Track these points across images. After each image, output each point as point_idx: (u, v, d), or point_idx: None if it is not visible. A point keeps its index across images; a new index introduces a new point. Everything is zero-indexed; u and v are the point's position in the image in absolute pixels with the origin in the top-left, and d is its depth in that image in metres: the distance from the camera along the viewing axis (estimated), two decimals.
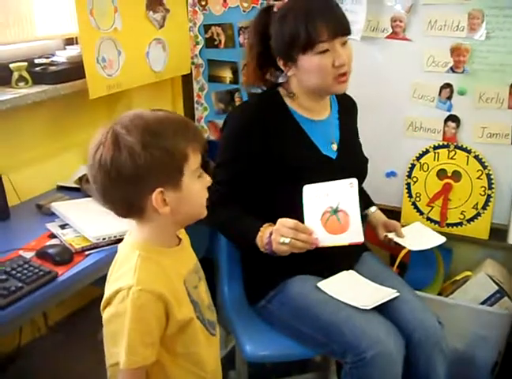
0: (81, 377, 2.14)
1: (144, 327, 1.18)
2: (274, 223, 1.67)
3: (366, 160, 1.99)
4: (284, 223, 1.63)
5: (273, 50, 1.78)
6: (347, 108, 1.98)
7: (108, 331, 1.23)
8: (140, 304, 1.17)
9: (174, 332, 1.25)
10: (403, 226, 1.95)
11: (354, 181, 1.62)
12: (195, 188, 1.24)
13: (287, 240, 1.61)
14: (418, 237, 1.92)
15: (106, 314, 1.22)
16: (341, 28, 1.72)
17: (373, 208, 2.03)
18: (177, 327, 1.24)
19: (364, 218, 1.95)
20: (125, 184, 1.17)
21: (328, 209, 1.63)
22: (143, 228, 1.26)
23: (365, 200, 2.02)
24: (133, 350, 1.17)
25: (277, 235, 1.63)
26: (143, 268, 1.21)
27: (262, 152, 1.77)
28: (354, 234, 1.61)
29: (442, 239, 1.92)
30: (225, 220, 1.81)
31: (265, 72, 1.89)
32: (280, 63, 1.79)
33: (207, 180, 1.29)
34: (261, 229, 1.70)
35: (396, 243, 1.88)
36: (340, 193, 1.63)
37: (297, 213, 1.64)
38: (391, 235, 1.90)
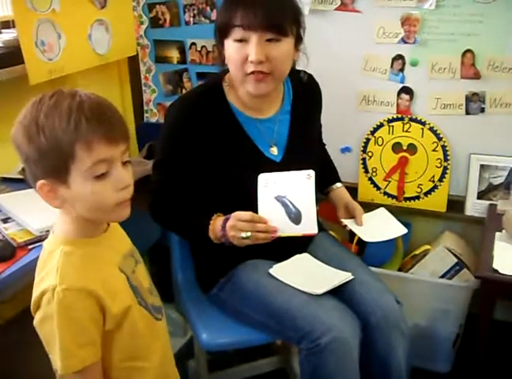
0: (35, 377, 2.07)
1: (75, 327, 1.11)
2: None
3: (317, 153, 1.91)
4: (239, 216, 1.58)
5: None
6: (306, 98, 1.84)
7: (42, 336, 1.16)
8: (67, 304, 1.09)
9: (112, 328, 1.17)
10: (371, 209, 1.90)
11: (311, 172, 1.60)
12: (89, 189, 1.11)
13: (248, 234, 1.56)
14: (377, 226, 1.84)
15: (36, 319, 1.14)
16: (263, 21, 1.53)
17: (338, 184, 1.95)
18: (114, 321, 1.17)
19: (326, 194, 1.94)
20: (24, 163, 1.14)
21: (282, 198, 1.59)
22: (62, 219, 1.18)
23: (331, 175, 1.99)
24: (67, 354, 1.10)
25: (236, 231, 1.58)
26: (66, 265, 1.13)
27: (199, 154, 1.69)
28: (308, 226, 1.59)
29: (403, 230, 1.85)
30: (168, 220, 1.77)
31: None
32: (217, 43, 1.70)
33: (116, 180, 1.12)
34: (211, 222, 1.65)
35: (351, 231, 1.82)
36: (297, 183, 1.60)
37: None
38: (347, 222, 1.83)
